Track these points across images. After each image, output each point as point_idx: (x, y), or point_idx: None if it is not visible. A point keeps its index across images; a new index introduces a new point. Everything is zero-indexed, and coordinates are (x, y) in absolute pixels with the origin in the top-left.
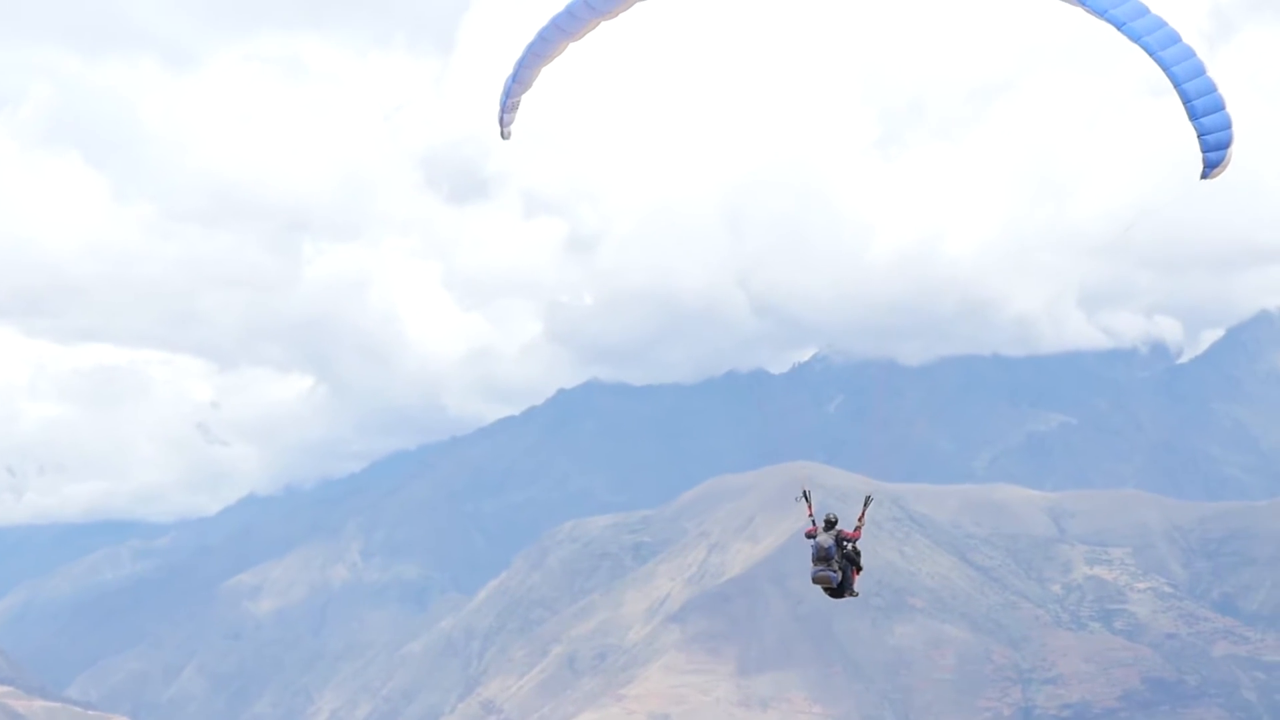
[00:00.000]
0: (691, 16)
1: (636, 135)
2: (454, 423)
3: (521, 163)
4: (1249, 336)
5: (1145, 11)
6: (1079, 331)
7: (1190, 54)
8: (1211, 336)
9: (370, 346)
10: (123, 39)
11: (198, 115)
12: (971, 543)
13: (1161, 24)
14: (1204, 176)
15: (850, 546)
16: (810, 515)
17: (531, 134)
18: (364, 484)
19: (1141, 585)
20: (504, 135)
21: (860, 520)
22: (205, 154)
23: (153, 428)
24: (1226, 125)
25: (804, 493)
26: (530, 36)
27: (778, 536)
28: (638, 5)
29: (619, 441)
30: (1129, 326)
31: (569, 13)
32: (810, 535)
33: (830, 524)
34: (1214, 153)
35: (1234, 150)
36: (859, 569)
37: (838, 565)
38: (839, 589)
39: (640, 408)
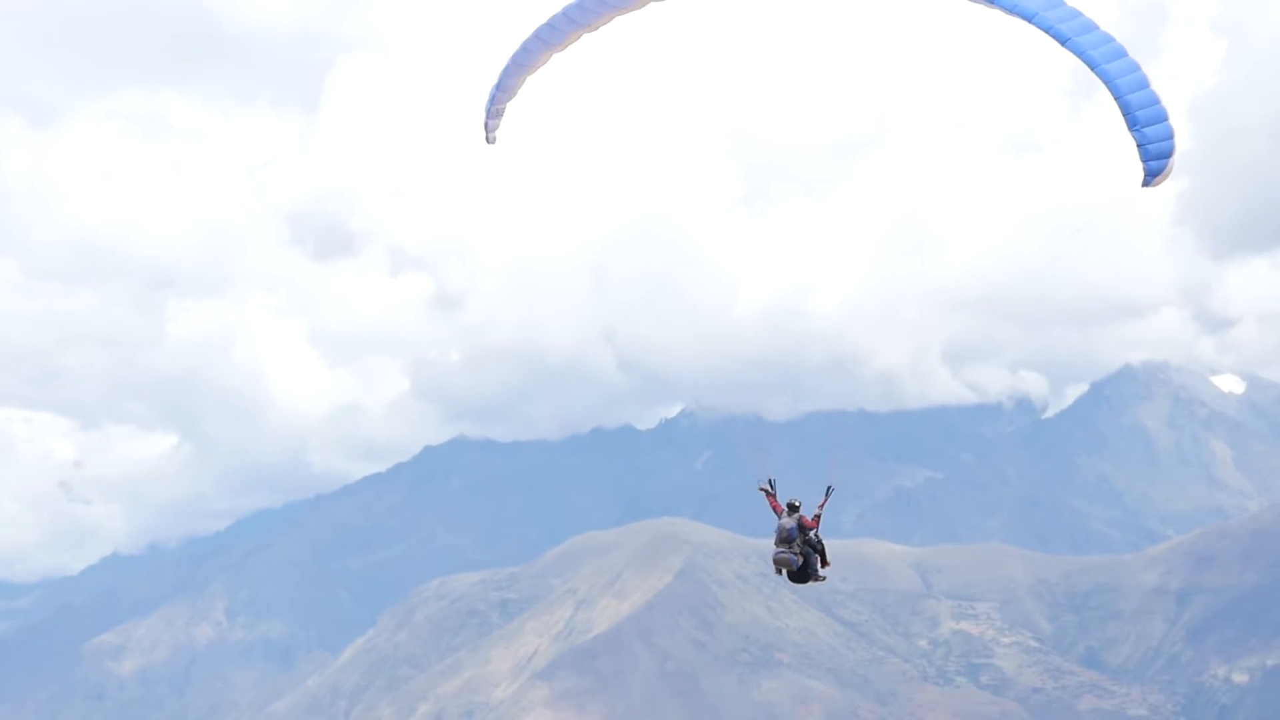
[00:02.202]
0: (555, 75)
1: (502, 192)
2: (319, 480)
3: (387, 219)
4: (1112, 391)
5: (1093, 26)
6: (944, 387)
7: (1135, 67)
8: (1075, 391)
9: (235, 404)
10: None
11: (60, 172)
12: (838, 598)
13: (1108, 38)
14: (1145, 185)
15: (813, 535)
16: (773, 504)
17: (397, 191)
18: (228, 542)
19: (1007, 639)
20: (489, 140)
21: (819, 510)
22: (68, 211)
23: (14, 486)
24: (1169, 136)
25: (769, 481)
26: (514, 46)
27: (645, 593)
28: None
29: (486, 498)
30: (994, 381)
31: (550, 25)
32: (777, 512)
33: (793, 508)
34: (1155, 162)
35: (1175, 160)
36: (825, 559)
37: (798, 549)
38: (800, 573)
39: (507, 464)
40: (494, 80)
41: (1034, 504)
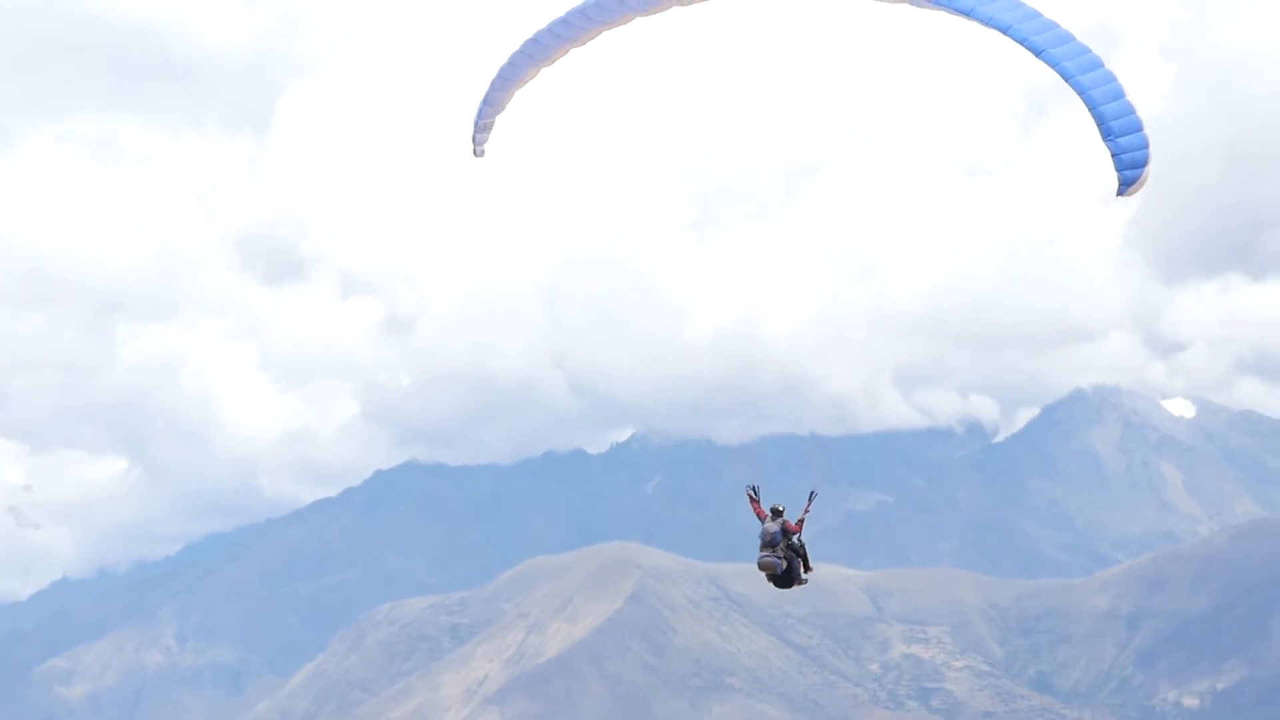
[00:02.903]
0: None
1: (453, 216)
2: (270, 504)
3: (337, 243)
4: (1063, 415)
5: (1068, 38)
6: (895, 411)
7: (1110, 78)
8: (1026, 415)
9: (185, 428)
10: None
11: (10, 195)
12: (789, 622)
13: (1083, 50)
14: (1119, 194)
15: (796, 540)
16: (756, 510)
17: (347, 214)
18: (179, 567)
19: (958, 663)
20: (476, 154)
21: (803, 514)
22: (18, 234)
23: None
24: (1143, 146)
25: (753, 488)
26: (502, 60)
27: (596, 617)
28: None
29: (436, 522)
30: (945, 406)
31: (536, 40)
32: (761, 518)
33: (777, 513)
34: (1129, 171)
35: (1150, 170)
36: (807, 564)
37: (782, 553)
38: (784, 578)
39: (458, 488)
40: (482, 94)
41: (985, 528)
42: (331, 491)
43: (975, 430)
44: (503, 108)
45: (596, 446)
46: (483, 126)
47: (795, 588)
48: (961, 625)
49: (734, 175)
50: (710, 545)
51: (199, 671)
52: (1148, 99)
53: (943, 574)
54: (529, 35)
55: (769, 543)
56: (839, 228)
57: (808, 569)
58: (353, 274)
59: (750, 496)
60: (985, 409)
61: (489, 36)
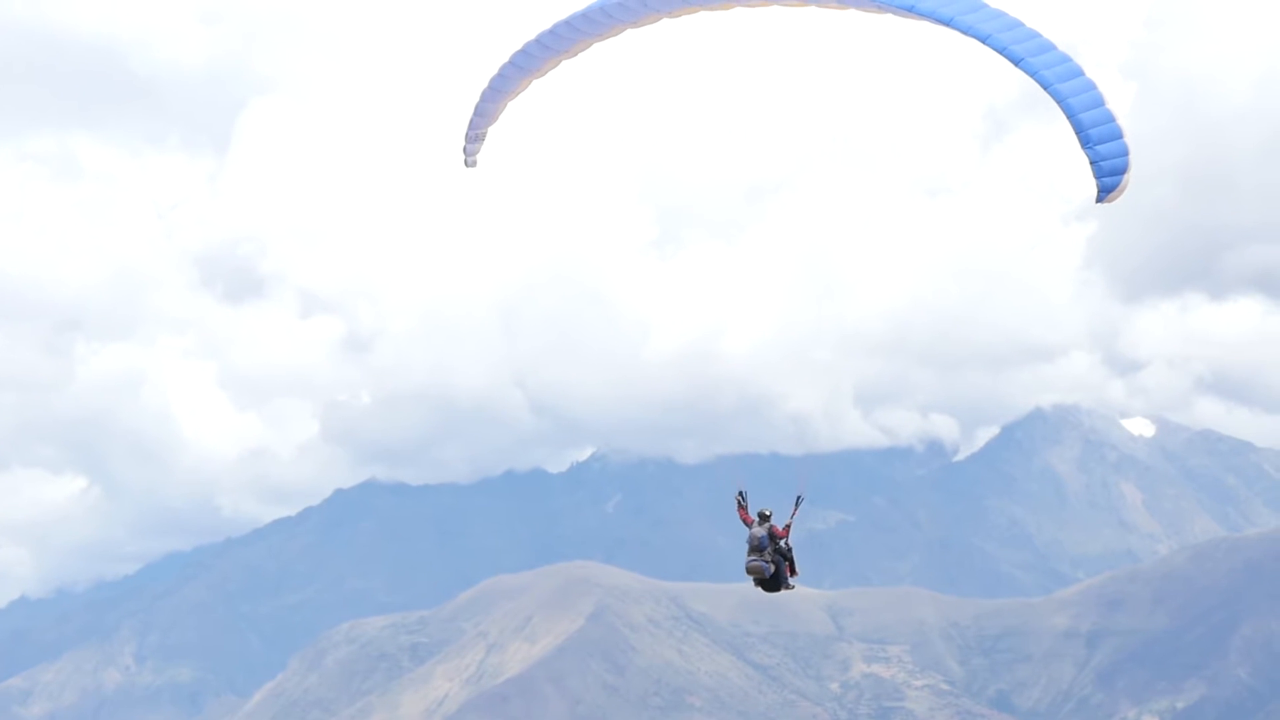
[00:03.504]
0: (461, 117)
1: (414, 235)
2: (229, 524)
3: (297, 262)
4: (1023, 434)
5: (1050, 47)
6: (855, 430)
7: (1089, 86)
8: (986, 434)
9: (144, 447)
10: None
11: None
12: (750, 641)
13: (1064, 58)
14: (1099, 201)
15: (783, 544)
16: (743, 515)
17: (308, 233)
18: (138, 586)
19: (919, 682)
20: (467, 164)
21: (790, 519)
22: None
23: None
24: (1123, 153)
25: (740, 493)
26: (493, 71)
27: (555, 636)
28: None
29: (396, 541)
30: (905, 424)
31: (525, 52)
32: (747, 523)
33: (764, 518)
34: (1109, 178)
35: (1131, 176)
36: (794, 568)
37: (770, 557)
38: (772, 581)
39: (418, 507)
40: (474, 104)
41: (945, 547)
42: (291, 510)
43: (935, 449)
44: (495, 118)
45: (556, 465)
46: (474, 137)
47: (783, 591)
48: (921, 644)
49: (694, 194)
50: (670, 564)
51: (158, 691)
52: None
53: (903, 593)
54: (518, 47)
55: (756, 547)
56: (799, 247)
57: (793, 572)
58: (313, 292)
59: (739, 502)
60: (945, 428)
61: (448, 56)
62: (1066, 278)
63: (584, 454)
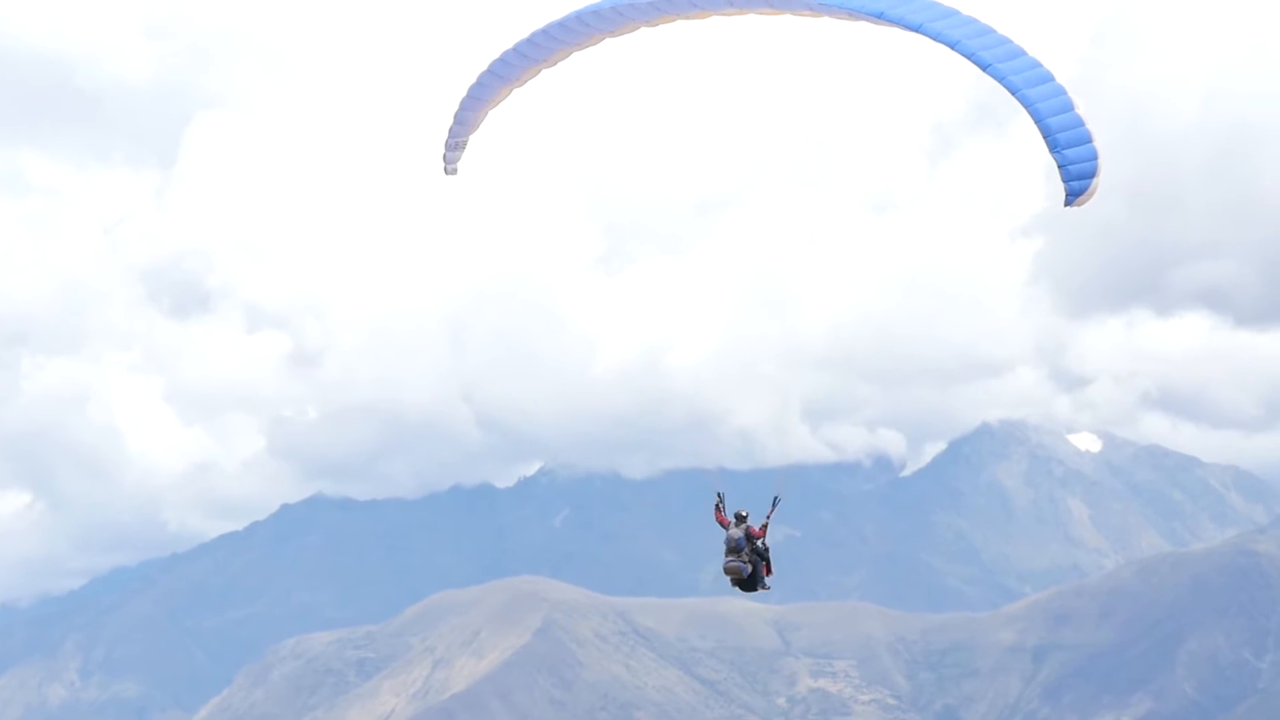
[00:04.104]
0: (411, 132)
1: (360, 249)
2: (175, 539)
3: (244, 276)
4: (970, 449)
5: (1021, 53)
6: (803, 445)
7: (1059, 91)
8: (934, 449)
9: (90, 462)
10: None
11: None
12: (697, 656)
13: (1033, 64)
14: (1067, 205)
15: (760, 544)
16: (719, 517)
17: (254, 248)
18: (83, 601)
19: (865, 697)
20: (447, 171)
21: (766, 519)
22: None
23: None
24: (1092, 157)
25: (720, 495)
26: (472, 79)
27: (503, 652)
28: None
29: (343, 556)
30: (852, 439)
31: (503, 60)
32: (723, 525)
33: (741, 519)
34: (1077, 182)
35: (1099, 181)
36: (769, 568)
37: (747, 558)
38: (749, 581)
39: (365, 522)
40: (453, 112)
41: (892, 562)
42: (237, 525)
43: (883, 464)
44: (475, 126)
45: (504, 480)
46: (454, 145)
47: (759, 590)
48: (868, 659)
49: (642, 209)
50: (617, 579)
51: (103, 706)
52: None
53: (850, 608)
54: (496, 56)
55: (734, 548)
56: (747, 262)
57: (769, 572)
58: (259, 307)
59: (717, 505)
60: (893, 443)
61: (394, 71)
62: (1013, 293)
63: (531, 469)
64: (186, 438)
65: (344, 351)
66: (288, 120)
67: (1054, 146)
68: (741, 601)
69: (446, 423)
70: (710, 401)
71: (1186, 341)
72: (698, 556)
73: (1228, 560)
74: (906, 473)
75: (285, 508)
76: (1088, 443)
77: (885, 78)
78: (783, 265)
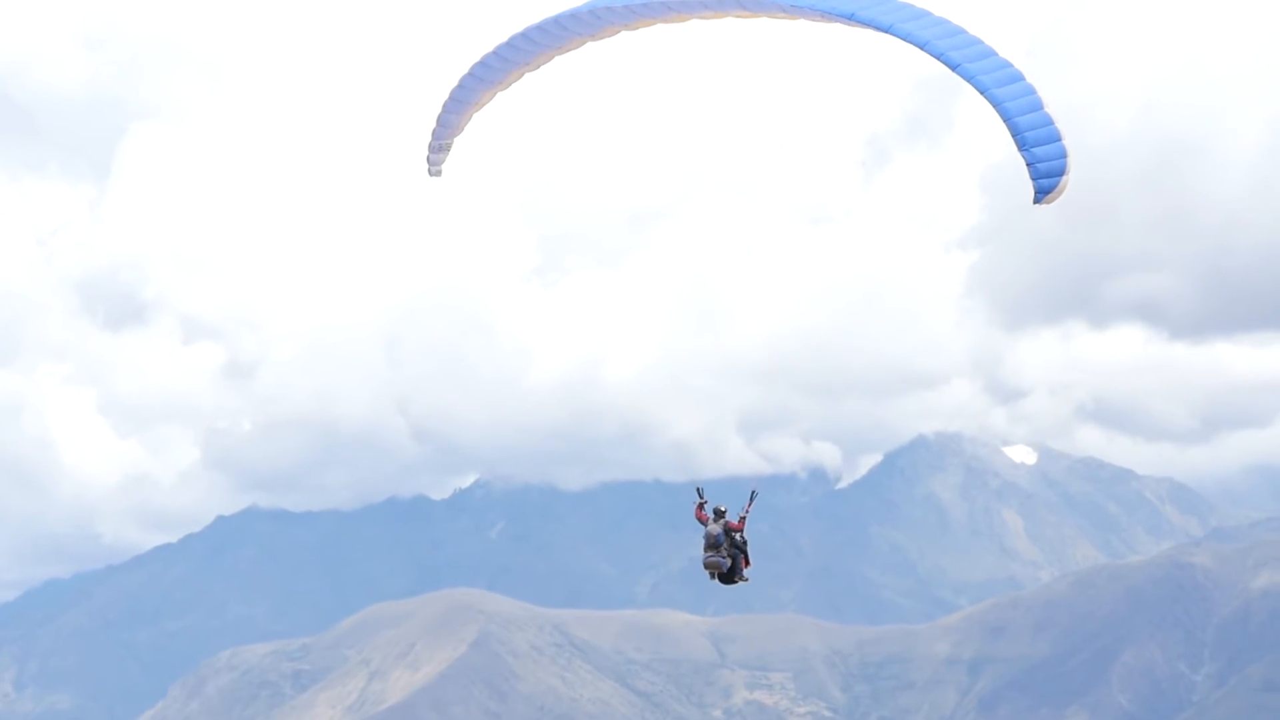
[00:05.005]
0: (347, 144)
1: (295, 261)
2: (110, 551)
3: (179, 288)
4: (906, 461)
5: (991, 53)
6: (738, 457)
7: (1028, 90)
8: (869, 462)
9: (23, 473)
10: None
11: None
12: (633, 668)
13: (1004, 64)
14: (1036, 202)
15: (739, 537)
16: (699, 514)
17: (189, 259)
18: (17, 613)
19: (801, 709)
20: (431, 174)
21: (744, 514)
22: None
23: None
24: (1061, 155)
25: (698, 490)
26: (454, 81)
27: (438, 664)
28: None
29: (278, 568)
30: (788, 452)
31: (484, 63)
32: (702, 521)
33: (719, 514)
34: (1046, 180)
35: (1070, 179)
36: (748, 560)
37: (726, 552)
38: (729, 574)
39: (300, 534)
40: (437, 115)
41: (828, 574)
42: (172, 537)
43: (818, 476)
44: (460, 129)
45: (439, 492)
46: (438, 147)
47: (738, 582)
48: (804, 671)
49: (576, 221)
50: (553, 591)
51: (38, 718)
52: (988, 147)
53: (785, 620)
54: (478, 59)
55: (713, 544)
56: (681, 274)
57: (747, 564)
58: (194, 319)
59: (697, 502)
60: (828, 455)
61: (330, 83)
62: (948, 305)
63: (467, 481)
64: (121, 449)
65: (279, 363)
66: (223, 131)
67: (1023, 145)
68: (677, 614)
69: (382, 435)
70: (646, 414)
71: (1122, 354)
72: (634, 568)
73: (1163, 573)
74: (842, 485)
75: (220, 519)
76: (1023, 455)
77: (820, 89)
78: (718, 277)
